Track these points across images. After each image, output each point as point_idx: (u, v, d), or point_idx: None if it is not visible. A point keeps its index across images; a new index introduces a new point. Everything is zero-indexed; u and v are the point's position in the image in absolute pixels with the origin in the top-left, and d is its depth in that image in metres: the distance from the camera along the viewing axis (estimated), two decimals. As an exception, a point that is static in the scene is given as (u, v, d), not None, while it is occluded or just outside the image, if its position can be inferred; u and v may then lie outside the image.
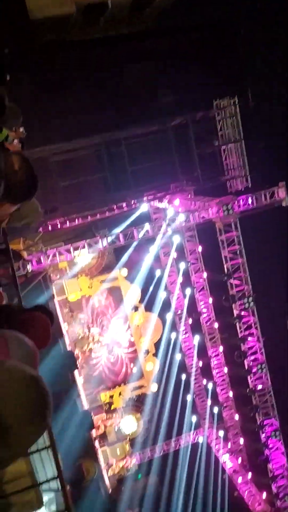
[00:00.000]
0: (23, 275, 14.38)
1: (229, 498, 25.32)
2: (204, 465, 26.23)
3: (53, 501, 8.19)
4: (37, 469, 6.19)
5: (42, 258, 16.57)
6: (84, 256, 18.48)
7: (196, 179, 20.42)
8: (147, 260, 23.25)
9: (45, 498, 6.75)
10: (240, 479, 24.23)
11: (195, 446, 26.96)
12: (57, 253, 17.05)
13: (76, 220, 21.05)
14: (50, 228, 19.70)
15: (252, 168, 20.46)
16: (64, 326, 21.55)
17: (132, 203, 21.84)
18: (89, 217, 21.36)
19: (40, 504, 5.98)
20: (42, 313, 3.46)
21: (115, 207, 21.46)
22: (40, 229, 17.63)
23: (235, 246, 17.87)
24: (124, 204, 21.54)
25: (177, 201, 20.66)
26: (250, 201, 17.51)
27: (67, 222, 20.53)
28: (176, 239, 23.23)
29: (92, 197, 20.00)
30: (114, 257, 23.60)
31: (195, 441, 26.90)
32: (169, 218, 18.45)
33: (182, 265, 24.31)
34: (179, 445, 26.66)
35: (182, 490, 26.52)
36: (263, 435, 19.37)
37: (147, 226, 18.07)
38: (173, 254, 24.31)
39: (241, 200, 17.70)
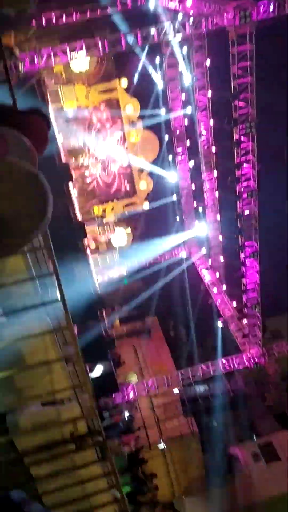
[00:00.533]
0: (14, 75, 13.27)
1: (204, 304, 28.79)
2: (185, 276, 29.04)
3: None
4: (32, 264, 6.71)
5: (35, 59, 15.13)
6: (81, 60, 16.93)
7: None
8: (150, 72, 21.50)
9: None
10: (215, 290, 27.07)
11: (179, 259, 29.35)
12: (52, 54, 15.52)
13: (74, 15, 18.62)
14: (44, 22, 17.53)
15: None
16: (58, 136, 20.99)
17: (139, -1, 19.11)
18: (88, 12, 18.86)
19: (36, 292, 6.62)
20: (38, 117, 3.27)
21: (118, 2, 18.82)
22: (33, 22, 15.70)
23: (246, 62, 16.33)
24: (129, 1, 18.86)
25: (189, 1, 18.07)
26: (271, 8, 15.37)
27: (64, 17, 18.18)
28: (184, 50, 21.10)
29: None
30: (114, 65, 21.73)
31: (180, 255, 29.14)
32: (179, 21, 16.36)
33: (187, 80, 22.59)
34: (165, 257, 28.92)
35: (163, 294, 29.84)
36: (242, 255, 20.91)
37: (152, 30, 16.16)
38: (179, 67, 22.37)
39: (262, 7, 15.54)
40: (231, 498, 22.43)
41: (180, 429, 21.42)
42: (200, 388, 23.41)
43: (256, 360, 22.21)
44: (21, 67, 13.40)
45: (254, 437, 25.51)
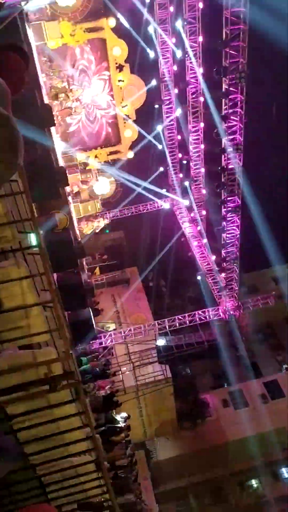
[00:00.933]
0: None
1: (183, 257, 29.17)
2: (166, 228, 29.20)
3: (27, 243, 8.96)
4: (13, 214, 6.62)
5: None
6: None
7: None
8: (140, 12, 20.44)
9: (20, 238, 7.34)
10: (195, 243, 27.33)
11: (162, 211, 29.34)
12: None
13: None
14: None
15: None
16: (41, 77, 20.03)
17: None
18: None
19: (15, 240, 6.59)
20: (15, 53, 3.08)
21: None
22: None
23: (240, 8, 15.61)
24: None
25: None
26: None
27: None
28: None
29: None
30: (102, 2, 20.52)
31: (161, 207, 29.07)
32: None
33: (178, 24, 21.61)
34: (147, 208, 28.85)
35: (144, 245, 30.05)
36: (224, 210, 20.96)
37: None
38: (170, 8, 21.32)
39: None
40: (199, 439, 23.85)
41: (154, 375, 22.27)
42: (176, 338, 24.15)
43: (231, 313, 22.88)
44: (2, -2, 12.54)
45: (225, 385, 26.81)
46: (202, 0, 19.51)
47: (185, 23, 20.86)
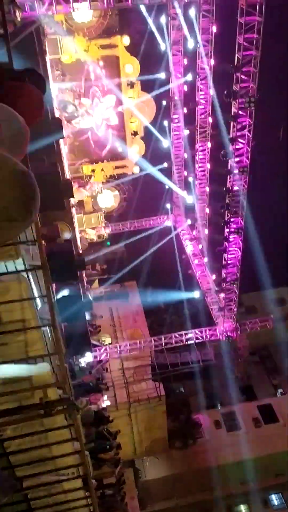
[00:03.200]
0: (11, 21, 12.60)
1: (183, 274, 29.11)
2: (168, 245, 29.20)
3: (30, 256, 8.99)
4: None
5: (36, 5, 14.43)
6: (84, 11, 16.21)
7: None
8: (154, 32, 20.75)
9: (22, 251, 7.37)
10: (196, 261, 27.33)
11: (164, 228, 29.39)
12: (54, 2, 14.81)
13: None
14: None
15: None
16: (53, 90, 20.29)
17: None
18: None
19: (18, 255, 6.61)
20: (33, 85, 3.09)
21: None
22: None
23: (253, 34, 15.85)
24: None
25: None
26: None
27: None
28: (191, 12, 20.32)
29: None
30: (117, 21, 20.85)
31: (165, 224, 29.15)
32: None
33: (191, 44, 21.89)
34: (150, 224, 28.93)
35: (145, 261, 30.06)
36: (226, 230, 21.01)
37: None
38: (183, 30, 21.62)
39: (276, -23, 15.01)
40: (189, 460, 23.56)
41: (147, 392, 22.09)
42: (171, 356, 23.99)
43: (229, 334, 22.78)
44: (19, 14, 12.73)
45: (219, 406, 26.57)
46: (215, 24, 19.76)
47: (198, 45, 21.12)
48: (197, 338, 23.08)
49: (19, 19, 12.86)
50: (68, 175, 22.65)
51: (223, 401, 26.16)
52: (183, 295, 28.37)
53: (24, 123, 2.30)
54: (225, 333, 22.85)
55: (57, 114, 20.36)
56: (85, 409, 15.48)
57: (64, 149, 22.17)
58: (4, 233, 1.93)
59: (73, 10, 15.47)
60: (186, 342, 22.99)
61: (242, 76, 16.75)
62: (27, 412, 3.68)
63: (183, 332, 23.18)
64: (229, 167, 19.41)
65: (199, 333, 23.12)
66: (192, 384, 26.04)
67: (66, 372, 3.82)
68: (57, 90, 21.37)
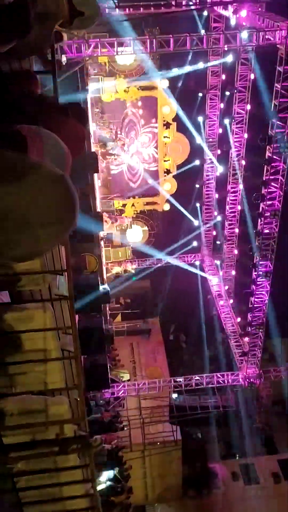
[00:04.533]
0: (58, 61, 13.26)
1: (208, 315, 28.65)
2: (194, 284, 28.93)
3: (56, 284, 9.01)
4: (46, 255, 6.69)
5: (82, 47, 15.14)
6: (127, 55, 16.89)
7: (274, -11, 17.30)
8: (192, 75, 21.41)
9: (50, 279, 7.37)
10: (221, 302, 26.91)
11: (190, 266, 29.22)
12: (99, 45, 15.51)
13: (127, 9, 18.59)
14: (100, 15, 17.45)
15: None
16: (92, 126, 20.98)
17: (194, 1, 18.96)
18: (141, 8, 18.81)
19: (45, 283, 6.62)
20: (76, 121, 3.19)
21: (173, 2, 18.70)
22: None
23: (291, 83, 16.13)
24: (184, 2, 18.73)
25: (244, 13, 17.87)
26: None
27: (117, 9, 18.14)
28: (229, 59, 20.95)
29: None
30: (158, 64, 21.64)
31: (192, 262, 29.03)
32: (230, 31, 16.22)
33: (228, 91, 22.46)
34: (177, 262, 28.82)
35: (169, 298, 29.82)
36: (254, 273, 20.69)
37: (202, 35, 16.06)
38: (222, 76, 22.28)
39: None
40: (203, 511, 22.37)
41: (163, 435, 21.35)
42: (191, 398, 23.28)
43: (252, 380, 22.02)
44: (64, 58, 13.38)
45: (237, 456, 25.39)
46: (253, 71, 20.25)
47: (235, 91, 21.62)
48: (218, 382, 22.39)
49: (64, 61, 13.49)
50: (99, 208, 23.05)
51: (242, 451, 24.97)
52: (207, 335, 27.83)
53: (67, 150, 2.37)
54: (247, 380, 22.10)
55: (93, 149, 20.97)
56: (98, 448, 15.06)
57: (97, 183, 22.67)
58: (51, 237, 1.97)
59: (117, 53, 16.15)
60: (206, 385, 22.32)
61: (278, 122, 16.92)
62: (41, 448, 3.55)
63: (204, 375, 22.56)
64: (260, 210, 19.33)
65: (221, 377, 22.44)
66: (210, 430, 25.05)
67: (84, 408, 3.69)
68: (96, 126, 22.10)
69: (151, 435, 20.99)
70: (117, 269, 25.70)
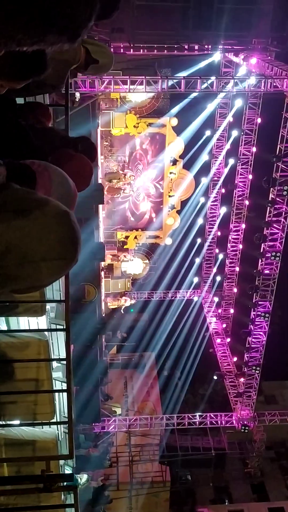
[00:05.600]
0: (71, 98, 13.70)
1: (204, 352, 28.30)
2: (191, 320, 28.72)
3: (53, 310, 9.00)
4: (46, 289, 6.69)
5: (96, 83, 15.64)
6: (139, 93, 17.41)
7: (284, 40, 18.01)
8: (201, 117, 21.98)
9: (48, 307, 7.38)
10: (219, 340, 26.66)
11: (189, 302, 29.10)
12: (112, 81, 16.03)
13: (141, 50, 19.29)
14: (113, 63, 18.11)
15: None
16: (100, 158, 21.39)
17: (206, 47, 19.68)
18: (155, 50, 19.52)
19: (43, 312, 6.61)
20: (84, 153, 3.29)
21: (186, 46, 19.41)
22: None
23: (297, 129, 16.57)
24: (196, 46, 19.44)
25: (253, 60, 18.55)
26: None
27: (131, 49, 18.84)
28: (238, 103, 21.58)
29: (165, 28, 17.96)
30: (168, 103, 22.27)
31: (191, 298, 28.92)
32: (239, 76, 16.78)
33: (235, 133, 23.03)
34: (176, 296, 28.75)
35: (166, 332, 29.51)
36: (253, 313, 20.60)
37: (213, 79, 16.61)
38: (230, 118, 22.88)
39: None
40: None
41: (152, 475, 20.71)
42: (182, 438, 22.70)
43: (245, 423, 21.53)
44: (78, 95, 13.79)
45: (226, 502, 24.53)
46: (260, 116, 20.81)
47: (242, 133, 22.15)
48: (211, 423, 21.89)
49: (77, 96, 13.91)
50: (102, 239, 23.20)
51: (232, 496, 24.12)
52: (202, 373, 27.40)
53: (74, 186, 2.42)
54: (241, 422, 21.61)
55: (100, 181, 21.30)
56: (84, 485, 14.59)
57: (102, 214, 22.91)
58: (51, 273, 1.98)
59: (129, 91, 16.66)
60: (199, 425, 21.81)
61: (283, 166, 17.26)
62: (26, 483, 3.45)
63: (197, 414, 22.08)
64: (261, 250, 19.44)
65: (214, 418, 21.95)
66: (201, 472, 24.30)
67: (73, 446, 3.62)
68: (104, 159, 22.53)
69: (139, 473, 20.37)
70: (115, 305, 25.61)
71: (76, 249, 1.97)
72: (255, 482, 26.03)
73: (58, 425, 7.75)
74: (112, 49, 18.47)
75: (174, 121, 22.85)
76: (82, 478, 13.80)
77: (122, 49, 19.48)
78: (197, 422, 21.67)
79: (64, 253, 1.93)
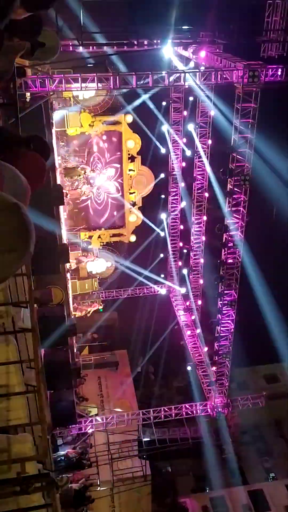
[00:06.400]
0: (22, 99, 13.49)
1: (175, 345, 28.62)
2: (161, 314, 28.99)
3: (20, 317, 8.86)
4: (10, 288, 6.61)
5: (47, 82, 15.46)
6: (91, 90, 17.32)
7: (230, 32, 18.34)
8: (155, 112, 22.14)
9: (13, 312, 7.26)
10: (189, 332, 26.98)
11: (157, 297, 29.32)
12: (63, 80, 15.88)
13: (91, 47, 19.19)
14: (60, 48, 17.90)
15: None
16: (57, 159, 21.16)
17: (155, 42, 19.79)
18: (105, 47, 19.46)
19: (8, 316, 6.52)
20: (38, 152, 3.27)
21: (135, 42, 19.44)
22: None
23: (249, 119, 16.93)
24: (145, 41, 19.52)
25: (203, 53, 18.82)
26: (279, 72, 16.16)
27: (81, 47, 18.69)
28: (191, 97, 21.85)
29: (114, 24, 17.92)
30: (122, 100, 22.28)
31: (158, 293, 29.13)
32: (190, 70, 16.99)
33: (190, 126, 23.30)
34: (143, 293, 28.89)
35: (136, 329, 29.67)
36: (220, 302, 20.97)
37: (164, 73, 16.74)
38: (183, 112, 23.15)
39: (270, 70, 16.30)
40: None
41: (132, 471, 20.80)
42: (159, 431, 22.88)
43: (220, 410, 21.94)
44: (28, 95, 13.60)
45: (207, 489, 24.95)
46: (214, 108, 21.14)
47: (197, 126, 22.45)
48: (187, 414, 22.17)
49: (28, 96, 13.69)
50: (65, 240, 22.96)
51: (212, 484, 24.56)
52: (175, 366, 27.70)
53: (26, 182, 2.42)
54: (215, 409, 22.00)
55: (59, 181, 21.05)
56: (65, 488, 14.50)
57: (63, 215, 22.68)
58: (6, 265, 1.97)
59: (81, 89, 16.54)
60: (175, 417, 22.06)
61: (238, 156, 17.62)
62: (1, 488, 3.43)
63: (172, 406, 22.31)
64: (223, 240, 19.79)
65: (189, 408, 22.26)
66: (180, 463, 24.62)
67: (47, 445, 3.61)
68: (61, 160, 22.30)
69: (120, 471, 20.41)
70: (83, 312, 25.46)
71: (28, 240, 1.97)
72: (233, 467, 26.61)
73: (34, 431, 7.68)
74: (60, 48, 18.28)
75: (129, 118, 22.90)
76: (62, 480, 13.72)
77: (71, 47, 19.30)
78: (173, 414, 21.90)
79: (15, 245, 1.93)
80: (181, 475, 24.55)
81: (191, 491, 24.77)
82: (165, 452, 22.89)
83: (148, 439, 22.73)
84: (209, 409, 22.29)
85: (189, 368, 26.46)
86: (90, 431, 21.06)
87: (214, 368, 22.65)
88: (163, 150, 24.90)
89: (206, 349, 24.97)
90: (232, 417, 22.54)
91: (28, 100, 14.89)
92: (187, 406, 22.29)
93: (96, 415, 23.16)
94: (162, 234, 27.86)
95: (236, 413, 22.61)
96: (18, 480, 3.29)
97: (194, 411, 22.25)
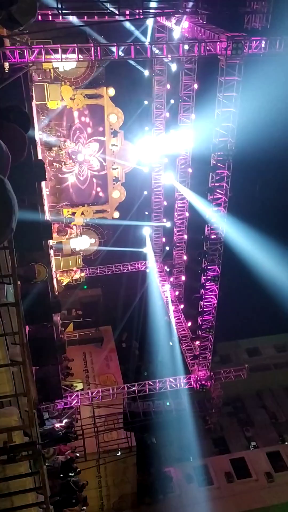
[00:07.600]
0: (0, 70, 13.07)
1: (159, 320, 28.89)
2: (145, 290, 29.15)
3: (4, 294, 8.81)
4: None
5: (26, 52, 15.00)
6: (72, 62, 16.88)
7: (213, 2, 17.97)
8: (138, 85, 21.75)
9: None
10: (172, 308, 27.27)
11: (141, 273, 29.43)
12: (43, 51, 15.42)
13: (71, 17, 18.60)
14: (39, 17, 17.35)
15: (277, 6, 18.02)
16: (38, 134, 20.73)
17: (137, 12, 19.25)
18: (85, 17, 18.89)
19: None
20: (17, 123, 3.18)
21: (117, 12, 18.86)
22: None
23: (232, 93, 16.76)
24: (127, 12, 18.97)
25: (185, 24, 18.43)
26: (263, 44, 15.95)
27: (60, 16, 18.10)
28: (174, 68, 21.48)
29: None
30: (104, 73, 21.81)
31: (142, 269, 29.24)
32: (173, 42, 16.65)
33: (172, 100, 23.00)
34: (127, 269, 28.97)
35: (121, 305, 29.82)
36: (203, 278, 21.16)
37: (146, 44, 16.39)
38: (167, 85, 22.80)
39: (254, 42, 16.07)
40: (159, 517, 22.40)
41: (118, 443, 21.25)
42: (144, 404, 23.32)
43: (203, 382, 22.42)
44: (7, 65, 13.17)
45: (191, 459, 25.68)
46: (197, 82, 20.87)
47: (180, 100, 22.15)
48: (171, 387, 22.61)
49: (6, 68, 13.28)
50: (48, 217, 22.72)
51: (196, 453, 25.29)
52: (159, 341, 28.06)
53: (6, 148, 2.36)
54: (199, 382, 22.48)
55: (40, 156, 20.70)
56: (51, 459, 14.75)
57: (46, 191, 22.38)
58: None
59: (61, 60, 16.11)
60: (159, 390, 22.48)
61: (221, 131, 17.50)
62: (-11, 456, 3.47)
63: (156, 380, 22.71)
64: (207, 216, 19.82)
65: (173, 381, 22.69)
66: (165, 434, 25.19)
67: (33, 415, 3.65)
68: (42, 134, 21.85)
69: (106, 443, 20.83)
70: (67, 280, 25.43)
71: (10, 215, 1.93)
72: (216, 437, 27.41)
73: (20, 405, 7.75)
74: (39, 17, 17.68)
75: (111, 91, 22.47)
76: (49, 451, 13.97)
77: (50, 17, 18.67)
78: (157, 388, 22.31)
79: None
80: (165, 446, 25.18)
81: (175, 461, 25.47)
82: (150, 424, 23.38)
83: (133, 412, 23.15)
84: (192, 382, 22.75)
85: (172, 343, 26.85)
86: (75, 405, 21.36)
87: (197, 343, 23.03)
88: (146, 125, 24.56)
89: (189, 324, 25.33)
90: (215, 389, 23.07)
91: (6, 70, 14.44)
92: (171, 380, 22.71)
93: (82, 389, 23.45)
94: (146, 212, 27.80)
95: (219, 385, 23.14)
96: (5, 449, 3.33)
97: (178, 384, 22.69)
